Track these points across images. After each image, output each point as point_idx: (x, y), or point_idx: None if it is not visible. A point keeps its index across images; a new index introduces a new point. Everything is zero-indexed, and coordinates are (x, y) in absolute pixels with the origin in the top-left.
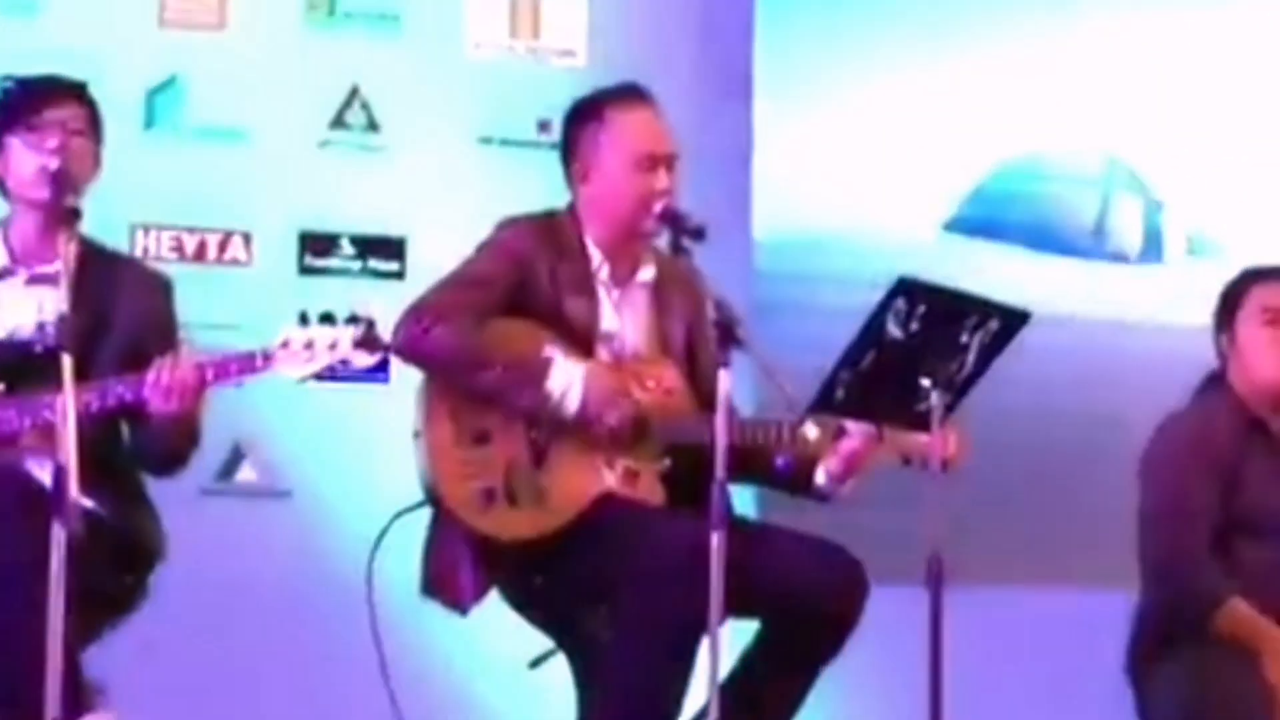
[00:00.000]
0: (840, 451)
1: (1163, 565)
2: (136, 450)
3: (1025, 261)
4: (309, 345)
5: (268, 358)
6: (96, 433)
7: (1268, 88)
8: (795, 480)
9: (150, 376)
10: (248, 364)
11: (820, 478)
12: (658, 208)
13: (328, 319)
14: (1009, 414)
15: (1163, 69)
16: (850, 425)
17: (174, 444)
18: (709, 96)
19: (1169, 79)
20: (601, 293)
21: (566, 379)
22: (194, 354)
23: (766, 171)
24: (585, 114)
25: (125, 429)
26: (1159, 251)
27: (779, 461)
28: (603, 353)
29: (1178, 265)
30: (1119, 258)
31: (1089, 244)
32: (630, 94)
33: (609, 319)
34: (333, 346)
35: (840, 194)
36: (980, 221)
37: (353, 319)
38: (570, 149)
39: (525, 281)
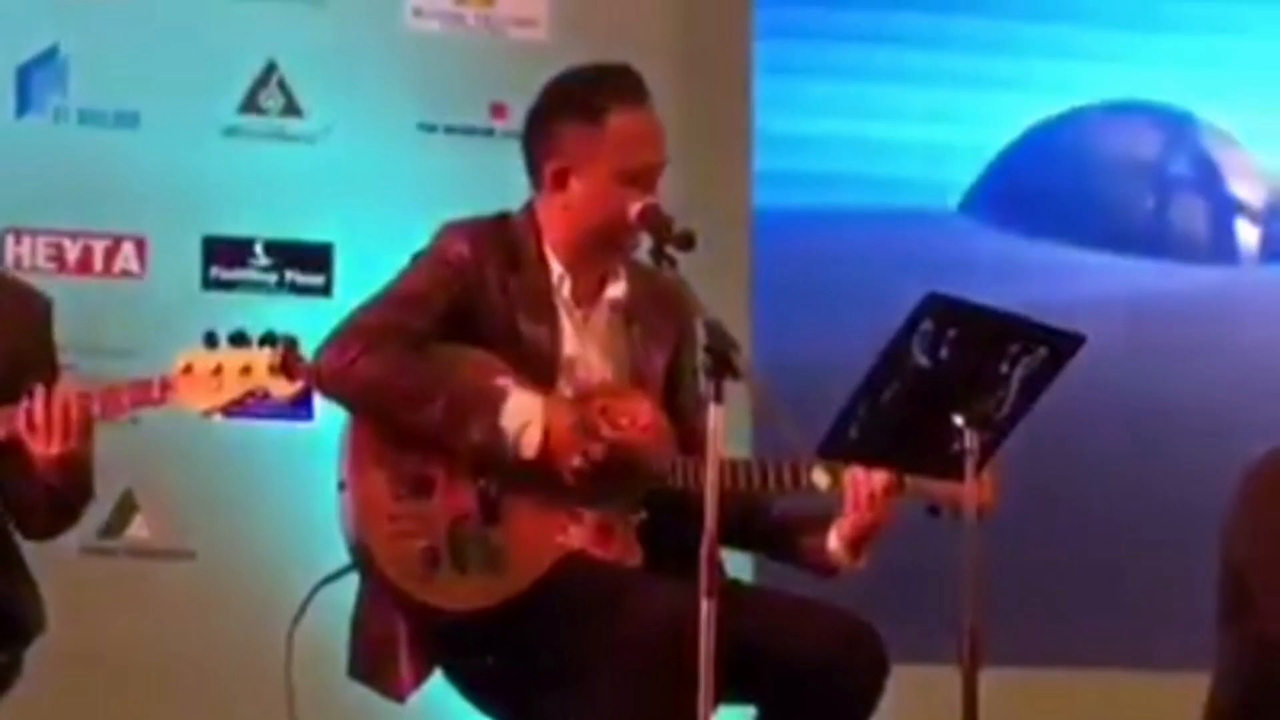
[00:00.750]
0: (850, 493)
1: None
2: (14, 506)
3: (1060, 257)
4: (217, 371)
5: (167, 386)
6: None
7: None
8: (789, 538)
9: (22, 413)
10: (143, 394)
11: (832, 542)
12: (635, 209)
13: (240, 339)
14: (1051, 459)
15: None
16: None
17: (60, 495)
18: (700, 71)
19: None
20: (561, 312)
21: (523, 414)
22: (77, 383)
23: (766, 161)
24: (575, 108)
25: None
26: (1233, 250)
27: (775, 511)
28: (564, 384)
29: (1255, 268)
30: (1182, 257)
31: (1144, 238)
32: (629, 88)
33: (571, 343)
34: (246, 372)
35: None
36: (1002, 204)
37: (269, 338)
38: (547, 144)
39: (471, 297)
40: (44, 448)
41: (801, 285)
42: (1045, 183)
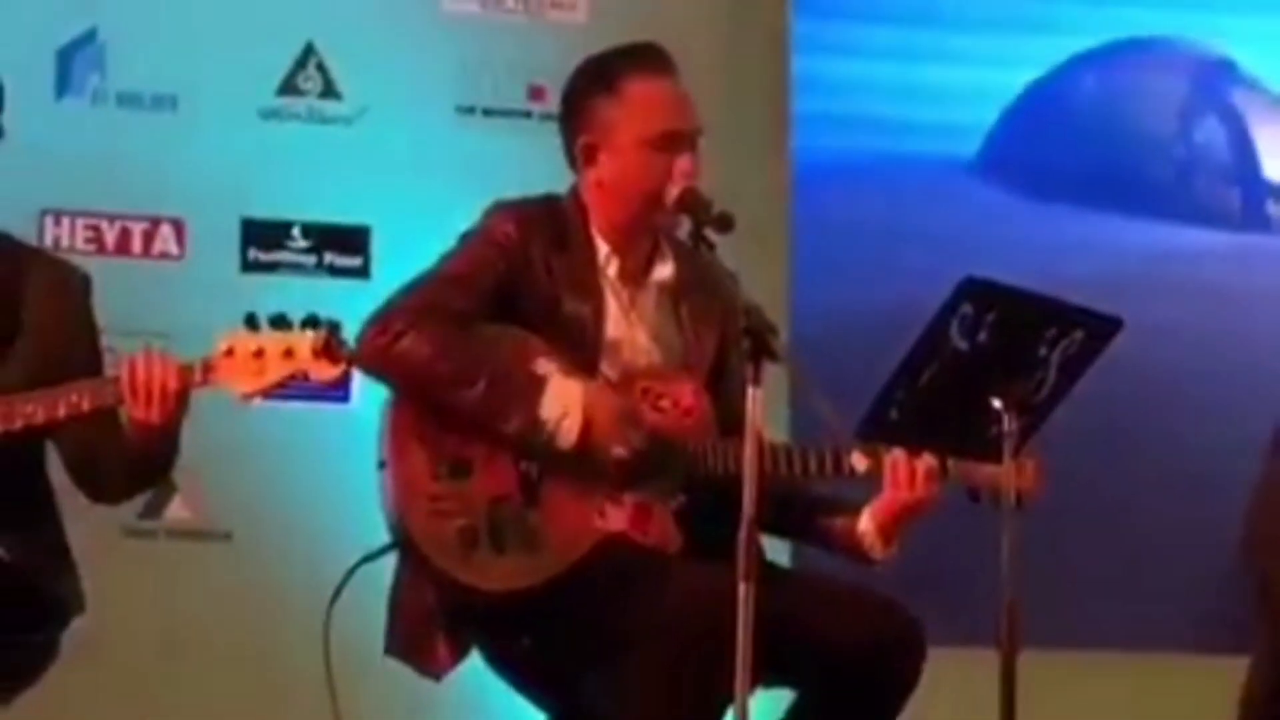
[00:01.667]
0: (889, 472)
1: None
2: (90, 470)
3: (1078, 223)
4: (259, 354)
5: (209, 368)
6: (6, 458)
7: None
8: (822, 520)
9: (125, 374)
10: (184, 376)
11: (864, 523)
12: (674, 192)
13: (281, 322)
14: (1092, 440)
15: None
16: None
17: (146, 461)
18: (739, 55)
19: None
20: (607, 293)
21: (563, 403)
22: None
23: (804, 138)
24: (595, 80)
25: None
26: (1263, 215)
27: (812, 495)
28: (608, 365)
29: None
30: (1212, 222)
31: (1167, 201)
32: (649, 58)
33: (615, 324)
34: (288, 355)
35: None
36: (1009, 163)
37: (311, 321)
38: (575, 122)
39: (517, 277)
40: (144, 415)
41: (839, 259)
42: (1054, 138)
